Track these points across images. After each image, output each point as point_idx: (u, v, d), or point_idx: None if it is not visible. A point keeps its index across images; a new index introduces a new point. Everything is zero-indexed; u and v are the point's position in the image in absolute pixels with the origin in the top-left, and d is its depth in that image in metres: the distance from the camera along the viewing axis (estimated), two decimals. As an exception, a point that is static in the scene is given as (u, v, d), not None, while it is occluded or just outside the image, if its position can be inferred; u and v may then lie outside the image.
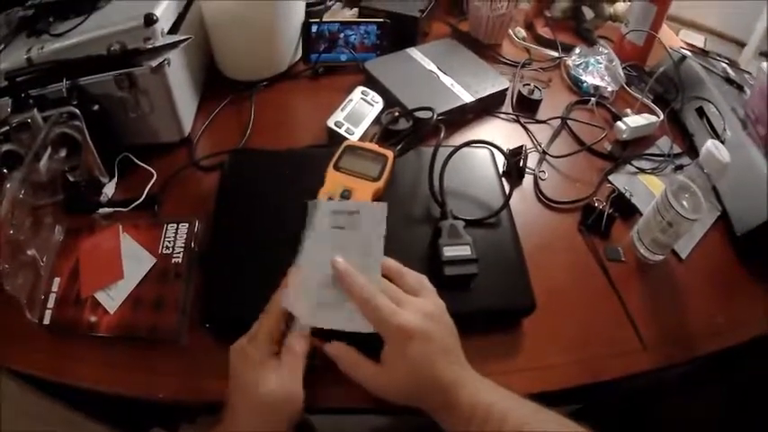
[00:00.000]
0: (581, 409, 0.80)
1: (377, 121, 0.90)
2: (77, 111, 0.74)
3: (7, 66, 0.78)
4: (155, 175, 0.83)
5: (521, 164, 0.83)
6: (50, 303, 0.68)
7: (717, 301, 0.75)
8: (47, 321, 0.67)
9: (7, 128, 0.72)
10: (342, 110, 0.89)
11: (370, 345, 0.56)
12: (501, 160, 0.82)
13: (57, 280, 0.70)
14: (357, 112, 0.89)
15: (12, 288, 0.65)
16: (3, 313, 0.67)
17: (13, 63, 0.78)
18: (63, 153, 0.74)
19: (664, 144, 0.94)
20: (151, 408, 0.66)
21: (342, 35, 1.04)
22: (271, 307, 0.58)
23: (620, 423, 0.91)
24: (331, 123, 0.86)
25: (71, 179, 0.78)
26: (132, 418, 1.07)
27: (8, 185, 0.67)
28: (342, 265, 0.59)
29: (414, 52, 1.02)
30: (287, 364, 0.55)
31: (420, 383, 0.53)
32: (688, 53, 1.04)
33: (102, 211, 0.79)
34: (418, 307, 0.56)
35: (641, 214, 0.81)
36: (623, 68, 1.04)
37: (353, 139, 0.84)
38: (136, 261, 0.71)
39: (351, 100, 0.90)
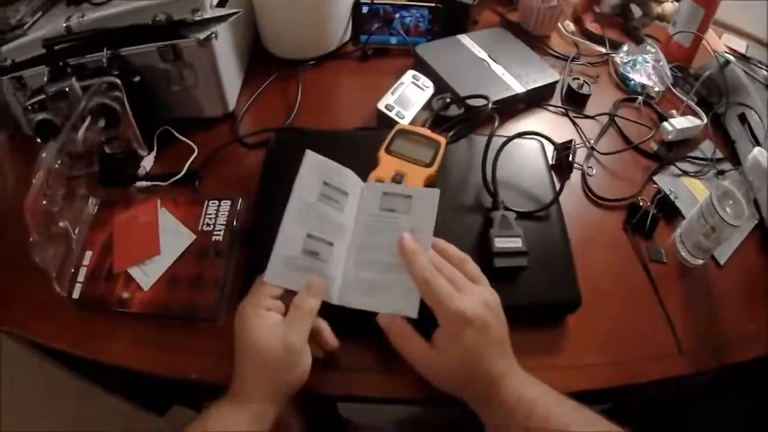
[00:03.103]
0: (608, 410, 0.78)
1: (427, 106, 0.84)
2: (118, 81, 0.70)
3: (45, 33, 0.74)
4: (196, 150, 0.79)
5: (570, 158, 0.79)
6: (80, 277, 0.65)
7: (751, 309, 0.70)
8: (76, 295, 0.64)
9: (43, 96, 0.68)
10: (392, 93, 0.83)
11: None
12: (550, 153, 0.78)
13: (88, 253, 0.67)
14: (407, 97, 0.83)
15: (41, 260, 0.61)
16: (31, 285, 0.64)
17: (52, 31, 0.74)
18: (101, 124, 0.70)
19: (706, 148, 0.89)
20: (174, 385, 0.63)
21: (397, 15, 0.99)
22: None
23: (647, 426, 0.88)
24: (381, 106, 0.81)
25: (108, 151, 0.74)
26: (153, 393, 1.05)
27: (44, 155, 0.63)
28: (409, 242, 0.56)
29: (464, 39, 0.97)
30: (291, 318, 0.53)
31: (469, 371, 0.52)
32: (731, 58, 0.99)
33: (139, 184, 0.75)
34: (479, 295, 0.54)
35: (683, 217, 0.77)
36: (669, 69, 0.99)
37: (404, 123, 0.79)
38: (174, 237, 0.68)
39: (401, 83, 0.85)
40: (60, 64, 0.70)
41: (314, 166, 0.61)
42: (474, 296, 0.53)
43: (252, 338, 0.51)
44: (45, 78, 0.70)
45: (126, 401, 1.15)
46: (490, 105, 0.74)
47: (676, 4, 1.08)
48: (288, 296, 0.55)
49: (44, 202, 0.61)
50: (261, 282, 0.55)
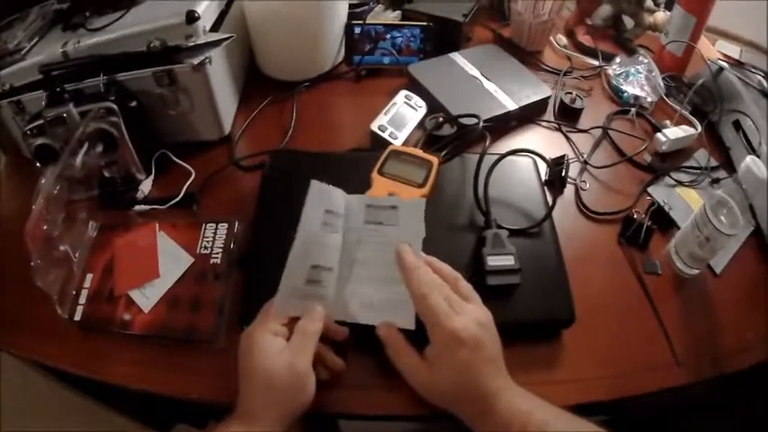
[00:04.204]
0: (605, 422, 0.78)
1: (420, 125, 0.85)
2: (115, 106, 0.70)
3: (42, 59, 0.74)
4: (193, 174, 0.80)
5: (563, 173, 0.79)
6: (82, 299, 0.66)
7: (749, 316, 0.70)
8: (78, 317, 0.65)
9: (41, 121, 0.69)
10: (385, 114, 0.84)
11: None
12: (543, 169, 0.78)
13: (89, 276, 0.68)
14: (400, 117, 0.84)
15: (43, 284, 0.61)
16: (34, 308, 0.64)
17: (48, 56, 0.74)
18: (99, 149, 0.71)
19: (701, 156, 0.89)
20: (177, 404, 0.63)
21: (389, 36, 0.99)
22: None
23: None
24: (374, 127, 0.82)
25: (107, 175, 0.75)
26: (157, 412, 1.05)
27: (43, 181, 0.63)
28: (409, 255, 0.57)
29: (457, 57, 0.97)
30: (295, 344, 0.54)
31: (462, 389, 0.52)
32: (725, 65, 0.99)
33: (138, 207, 0.76)
34: (472, 314, 0.54)
35: (678, 227, 0.77)
36: (662, 79, 0.99)
37: (397, 143, 0.80)
38: (173, 260, 0.68)
39: (394, 104, 0.85)
40: (58, 89, 0.70)
41: (319, 197, 0.60)
42: (467, 315, 0.53)
43: (261, 363, 0.52)
44: (43, 103, 0.70)
45: (131, 420, 1.15)
46: (481, 124, 0.75)
47: (668, 13, 1.08)
48: (293, 322, 0.56)
49: (44, 227, 0.62)
50: (268, 308, 0.56)
